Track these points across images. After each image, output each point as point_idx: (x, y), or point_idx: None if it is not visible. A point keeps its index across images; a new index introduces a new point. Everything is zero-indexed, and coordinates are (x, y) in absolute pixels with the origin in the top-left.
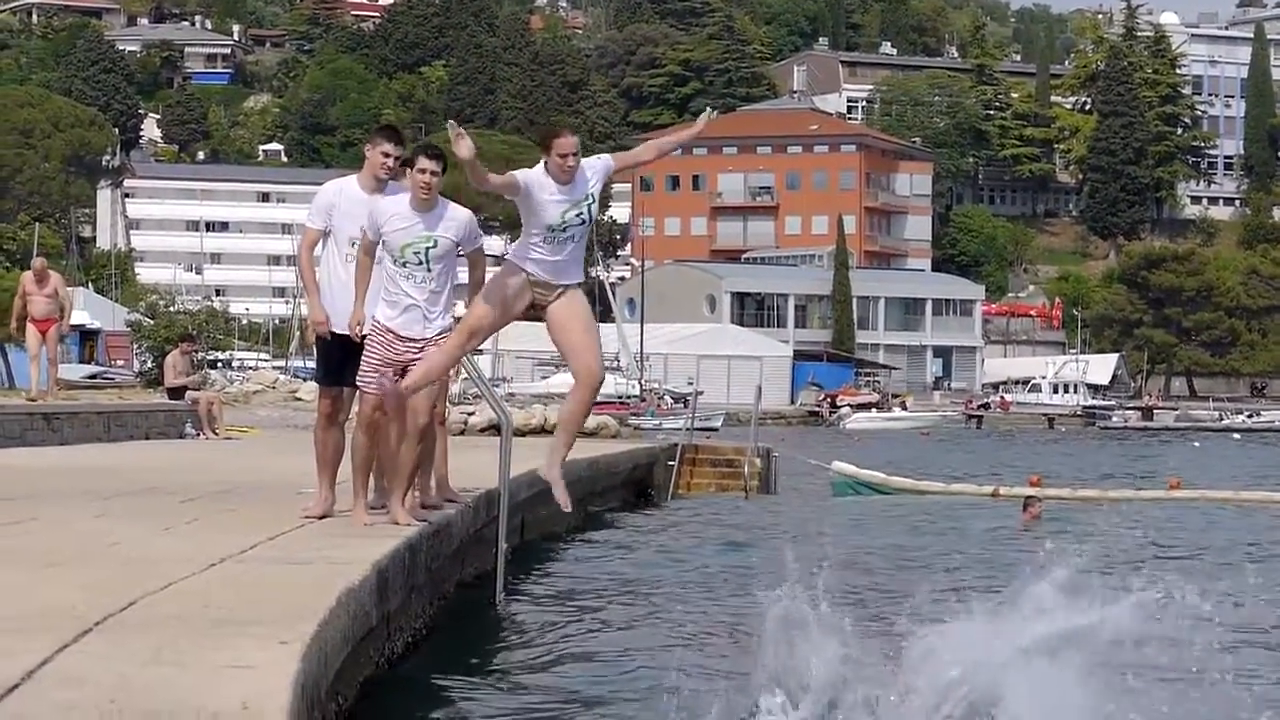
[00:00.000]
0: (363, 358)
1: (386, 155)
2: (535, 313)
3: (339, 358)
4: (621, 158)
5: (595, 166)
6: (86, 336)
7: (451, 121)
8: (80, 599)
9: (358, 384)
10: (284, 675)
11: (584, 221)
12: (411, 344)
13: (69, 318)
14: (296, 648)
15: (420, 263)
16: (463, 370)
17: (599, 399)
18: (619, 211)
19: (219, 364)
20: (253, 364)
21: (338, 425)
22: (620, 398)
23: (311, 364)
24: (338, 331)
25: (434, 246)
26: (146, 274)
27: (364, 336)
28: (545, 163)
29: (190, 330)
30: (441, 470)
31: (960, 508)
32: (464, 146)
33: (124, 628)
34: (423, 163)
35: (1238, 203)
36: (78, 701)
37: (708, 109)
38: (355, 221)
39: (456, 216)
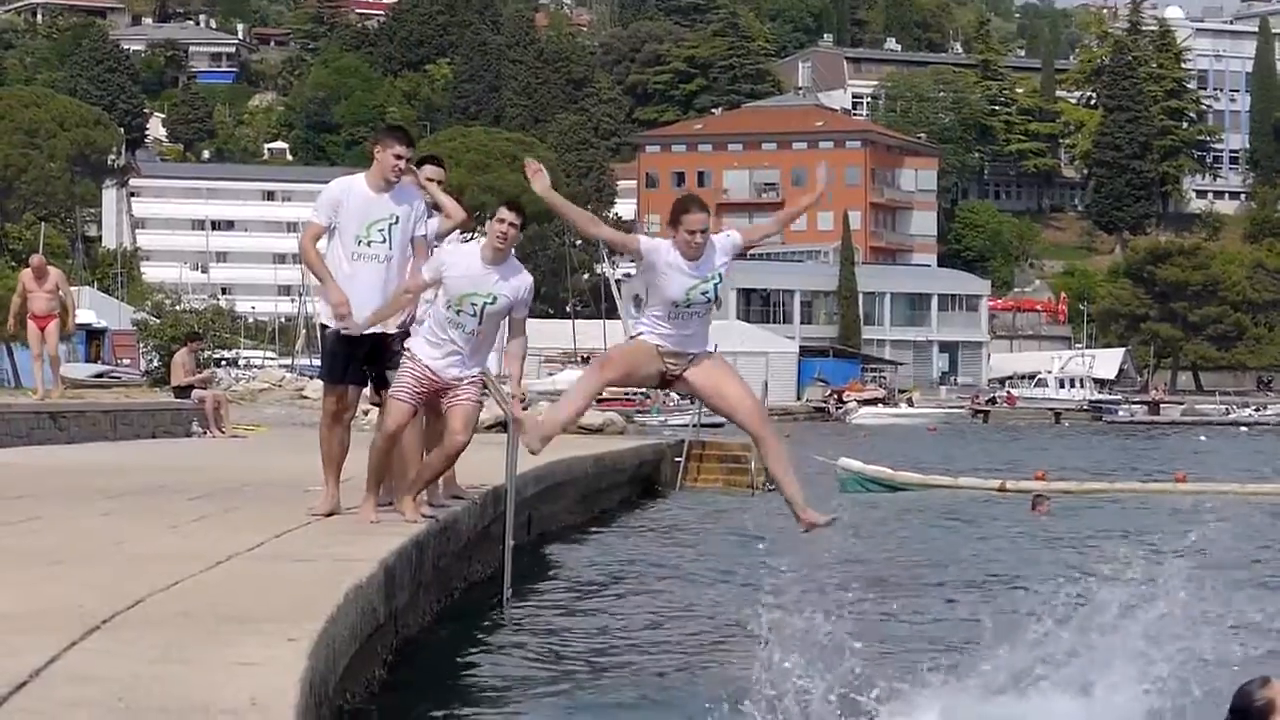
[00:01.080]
0: (398, 374)
1: (399, 157)
2: (676, 387)
3: (345, 355)
4: (749, 233)
5: (724, 244)
6: (92, 335)
7: (530, 159)
8: (87, 597)
9: (391, 395)
10: (292, 672)
11: (709, 300)
12: (444, 381)
13: (74, 316)
14: (304, 645)
15: (474, 314)
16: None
17: (607, 396)
18: (625, 208)
19: (225, 362)
20: (259, 362)
21: (343, 424)
22: (627, 394)
23: (318, 362)
24: (345, 330)
25: (493, 303)
26: (152, 273)
27: (379, 336)
28: (673, 238)
29: (197, 329)
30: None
31: (968, 503)
32: (540, 182)
33: (131, 626)
34: (503, 213)
35: (1243, 197)
36: (85, 699)
37: (823, 165)
38: (361, 220)
39: (523, 280)
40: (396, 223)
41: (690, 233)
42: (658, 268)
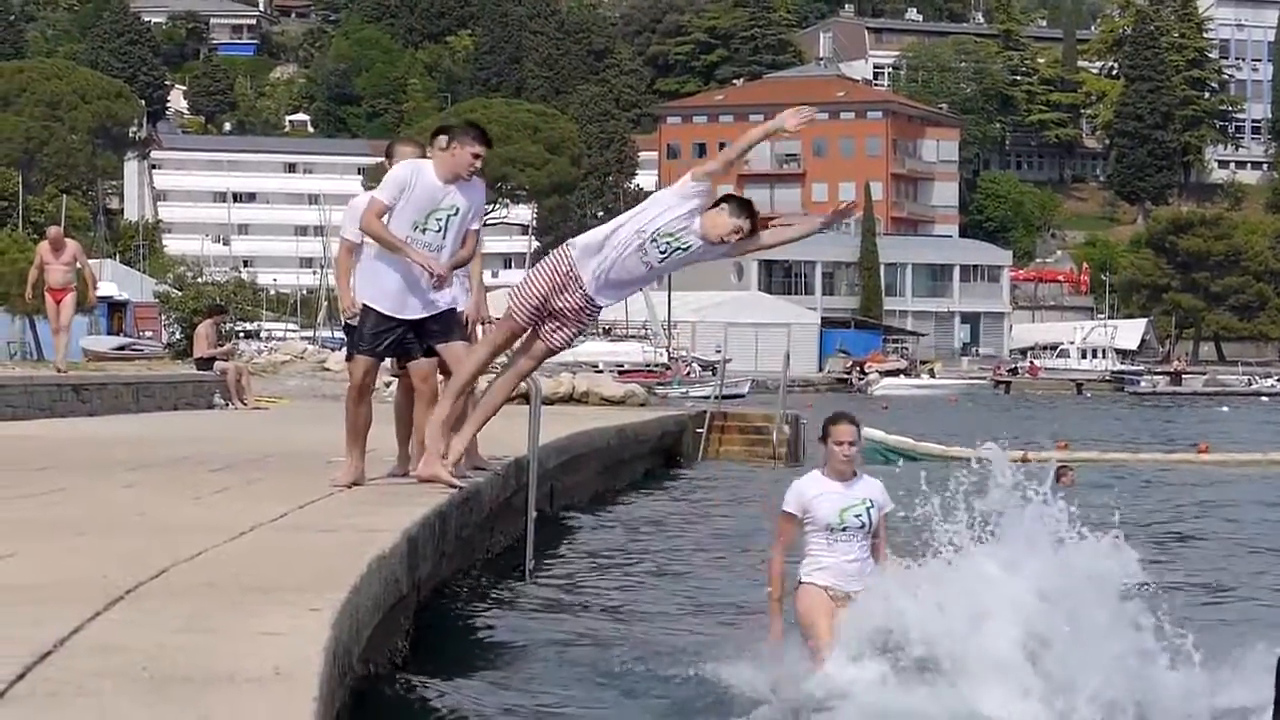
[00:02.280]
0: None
1: (477, 156)
2: None
3: (385, 331)
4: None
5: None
6: (114, 308)
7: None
8: (111, 568)
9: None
10: (315, 642)
11: (864, 525)
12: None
13: (94, 288)
14: (328, 615)
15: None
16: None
17: (629, 367)
18: (645, 180)
19: (246, 335)
20: (280, 334)
21: (368, 399)
22: (648, 366)
23: (340, 334)
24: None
25: (455, 214)
26: (174, 245)
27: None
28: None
29: (220, 302)
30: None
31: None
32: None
33: (155, 596)
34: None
35: (1265, 166)
36: (109, 669)
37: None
38: (424, 208)
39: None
40: (456, 214)
41: (839, 443)
42: (808, 500)
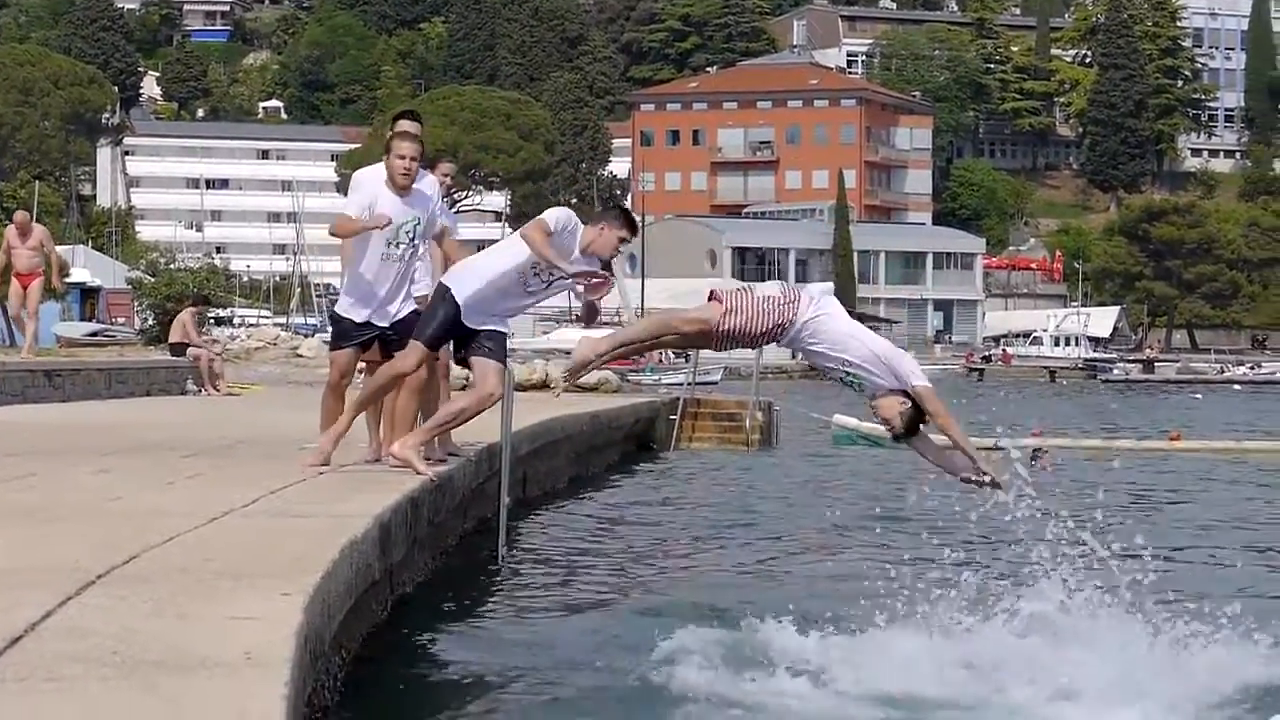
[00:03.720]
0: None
1: (623, 240)
2: None
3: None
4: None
5: None
6: (87, 294)
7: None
8: (82, 553)
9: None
10: (287, 626)
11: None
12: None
13: (59, 271)
14: (299, 600)
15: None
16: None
17: None
18: (619, 167)
19: (219, 321)
20: (254, 321)
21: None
22: None
23: (313, 321)
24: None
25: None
26: (147, 232)
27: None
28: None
29: (205, 293)
30: None
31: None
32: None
33: (126, 581)
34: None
35: (1238, 155)
36: (80, 653)
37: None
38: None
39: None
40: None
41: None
42: None
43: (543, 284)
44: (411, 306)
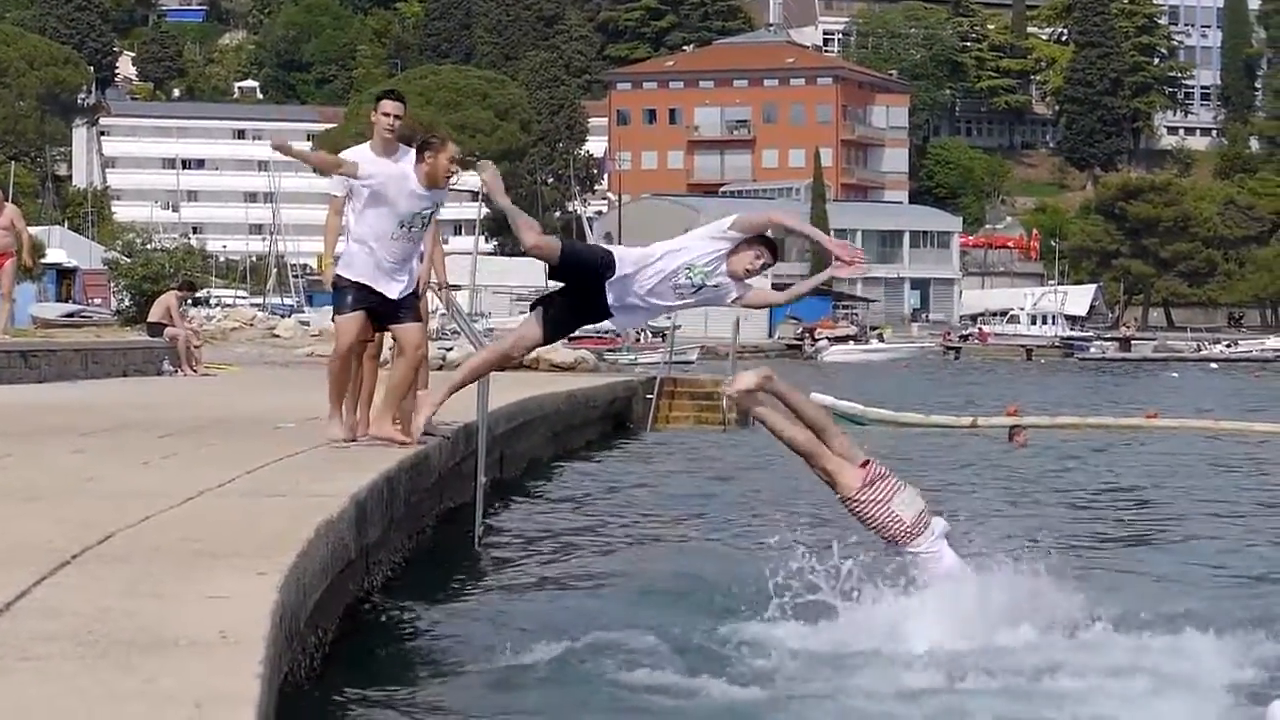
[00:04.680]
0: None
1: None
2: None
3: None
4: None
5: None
6: (63, 275)
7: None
8: (57, 533)
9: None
10: (262, 605)
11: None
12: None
13: (29, 252)
14: (274, 579)
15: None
16: (440, 306)
17: (579, 334)
18: (595, 146)
19: (195, 301)
20: (230, 301)
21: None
22: (598, 332)
23: (289, 301)
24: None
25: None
26: (123, 212)
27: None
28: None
29: (193, 279)
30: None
31: (941, 437)
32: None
33: (102, 560)
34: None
35: (1214, 133)
36: (56, 632)
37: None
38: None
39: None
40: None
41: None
42: None
43: (692, 289)
44: (412, 287)
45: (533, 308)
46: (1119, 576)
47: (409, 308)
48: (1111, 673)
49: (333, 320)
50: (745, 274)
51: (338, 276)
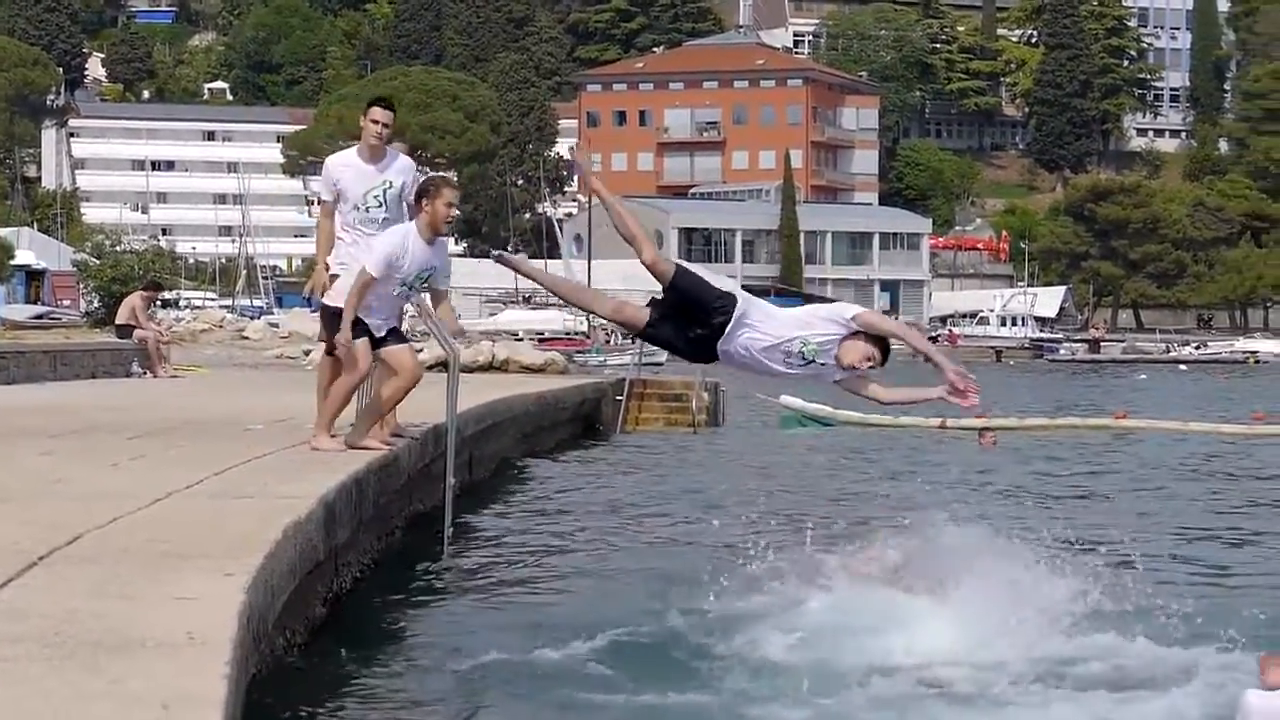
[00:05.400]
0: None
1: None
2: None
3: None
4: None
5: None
6: (32, 277)
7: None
8: (25, 534)
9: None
10: (229, 606)
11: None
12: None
13: None
14: (242, 580)
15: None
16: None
17: (549, 335)
18: (566, 147)
19: (164, 303)
20: (199, 303)
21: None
22: (568, 334)
23: (259, 303)
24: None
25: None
26: (92, 214)
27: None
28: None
29: (158, 279)
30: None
31: (910, 438)
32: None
33: (69, 562)
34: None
35: (1183, 135)
36: (22, 634)
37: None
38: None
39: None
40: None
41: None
42: None
43: (801, 361)
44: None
45: (651, 302)
46: (1091, 569)
47: (394, 333)
48: (1083, 669)
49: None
50: (850, 367)
51: (333, 308)
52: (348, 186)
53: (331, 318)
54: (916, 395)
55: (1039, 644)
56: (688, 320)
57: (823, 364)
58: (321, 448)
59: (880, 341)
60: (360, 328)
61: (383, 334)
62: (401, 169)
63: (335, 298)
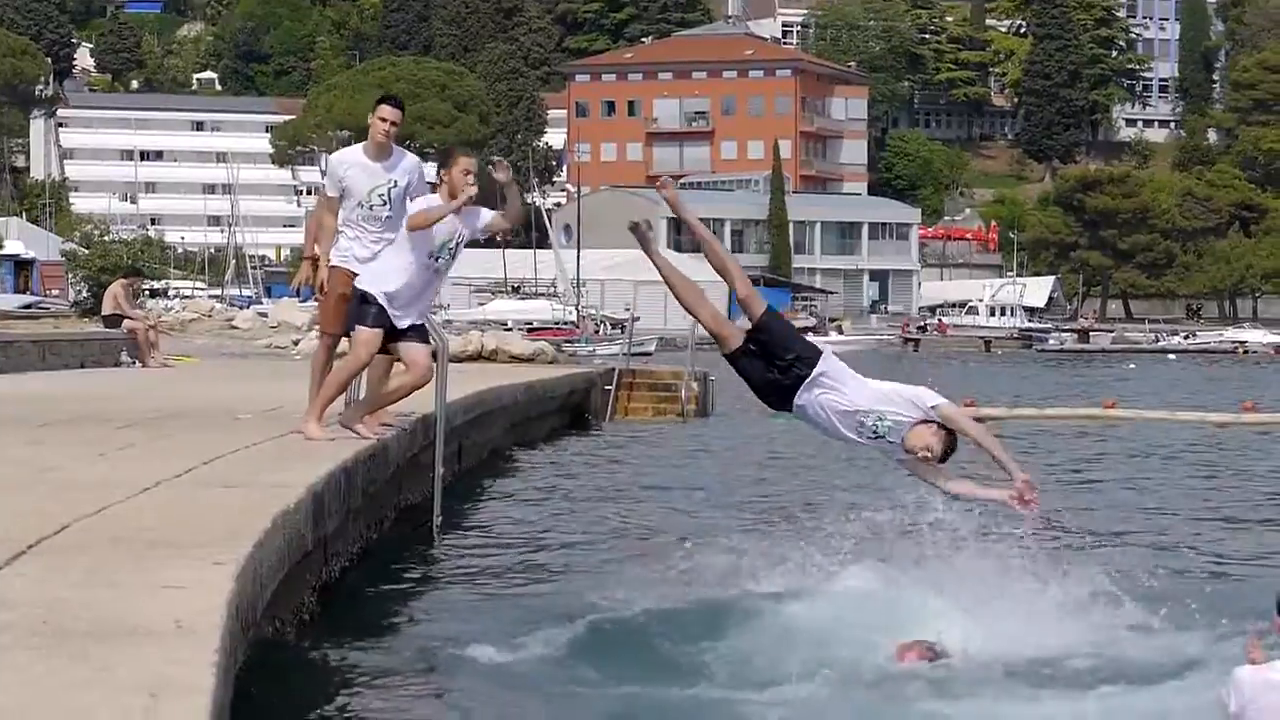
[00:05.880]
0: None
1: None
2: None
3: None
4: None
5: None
6: (21, 266)
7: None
8: (13, 524)
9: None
10: (217, 595)
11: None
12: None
13: None
14: (230, 569)
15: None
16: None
17: (538, 325)
18: (554, 138)
19: (153, 293)
20: (188, 293)
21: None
22: (557, 323)
23: (248, 293)
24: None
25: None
26: (81, 204)
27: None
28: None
29: (137, 265)
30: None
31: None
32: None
33: (58, 551)
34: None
35: (1172, 125)
36: (10, 623)
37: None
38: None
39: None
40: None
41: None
42: None
43: (872, 434)
44: (420, 322)
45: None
46: (1079, 560)
47: (417, 329)
48: (1078, 662)
49: (351, 329)
50: (912, 452)
51: (366, 291)
52: (353, 183)
53: (360, 301)
54: (980, 494)
55: (1031, 636)
56: (768, 362)
57: (891, 442)
58: (311, 435)
59: (950, 436)
60: (381, 317)
61: (404, 326)
62: (408, 168)
63: (367, 282)
